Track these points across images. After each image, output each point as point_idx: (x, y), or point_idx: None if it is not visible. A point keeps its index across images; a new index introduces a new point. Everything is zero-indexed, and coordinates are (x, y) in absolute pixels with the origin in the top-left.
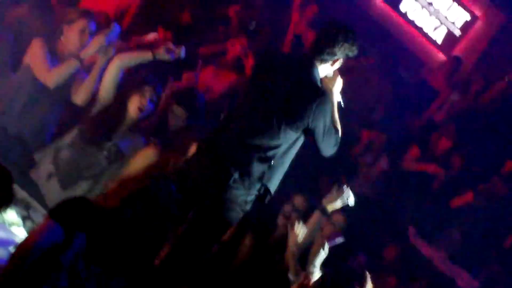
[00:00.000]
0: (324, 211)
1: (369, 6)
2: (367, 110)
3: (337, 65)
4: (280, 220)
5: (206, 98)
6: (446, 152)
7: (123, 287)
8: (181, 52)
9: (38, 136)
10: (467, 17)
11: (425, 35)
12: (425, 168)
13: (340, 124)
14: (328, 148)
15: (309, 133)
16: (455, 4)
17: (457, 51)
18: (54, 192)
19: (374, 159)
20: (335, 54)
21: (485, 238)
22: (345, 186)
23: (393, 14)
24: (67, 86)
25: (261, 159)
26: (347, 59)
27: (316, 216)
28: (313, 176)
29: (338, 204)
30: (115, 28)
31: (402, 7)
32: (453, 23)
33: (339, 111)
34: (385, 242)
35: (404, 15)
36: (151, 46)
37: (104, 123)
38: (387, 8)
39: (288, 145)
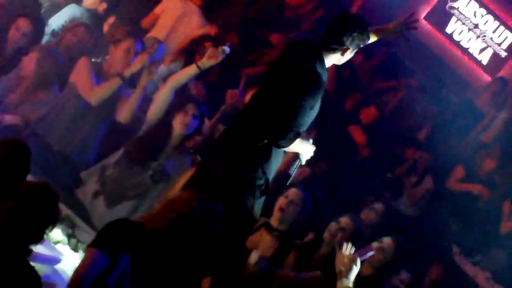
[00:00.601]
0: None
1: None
2: (412, 130)
3: (348, 55)
4: (326, 237)
5: None
6: (491, 173)
7: None
8: (225, 50)
9: (82, 153)
10: None
11: (471, 57)
12: (470, 188)
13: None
14: (280, 123)
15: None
16: (502, 26)
17: (503, 72)
18: (99, 211)
19: (419, 179)
20: (343, 43)
21: None
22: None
23: (438, 35)
24: (111, 105)
25: (255, 137)
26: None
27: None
28: (358, 195)
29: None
30: (159, 48)
31: (448, 29)
32: (499, 44)
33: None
34: (429, 261)
35: (450, 37)
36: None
37: (150, 143)
38: (432, 30)
39: None
